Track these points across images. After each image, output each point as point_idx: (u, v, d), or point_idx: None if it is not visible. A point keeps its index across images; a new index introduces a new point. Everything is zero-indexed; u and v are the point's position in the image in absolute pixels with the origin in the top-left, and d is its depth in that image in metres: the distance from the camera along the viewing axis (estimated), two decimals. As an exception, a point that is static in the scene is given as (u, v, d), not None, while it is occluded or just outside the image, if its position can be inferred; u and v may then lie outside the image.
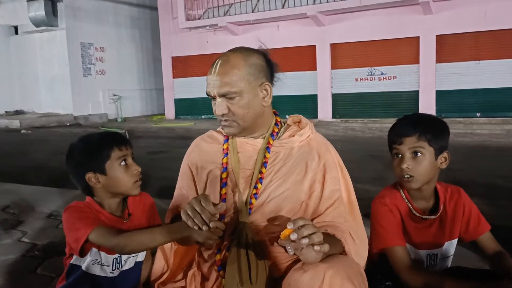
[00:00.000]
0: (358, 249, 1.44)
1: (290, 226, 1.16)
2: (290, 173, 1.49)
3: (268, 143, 1.52)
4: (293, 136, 1.54)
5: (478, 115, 11.69)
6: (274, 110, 1.60)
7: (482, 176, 5.04)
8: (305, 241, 1.13)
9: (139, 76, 18.36)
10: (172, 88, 16.11)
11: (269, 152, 1.51)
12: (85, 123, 15.32)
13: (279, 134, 1.56)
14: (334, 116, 13.41)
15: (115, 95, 16.68)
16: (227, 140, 1.58)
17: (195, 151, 1.65)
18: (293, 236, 1.14)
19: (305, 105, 13.23)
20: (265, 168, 1.49)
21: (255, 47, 1.54)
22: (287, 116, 1.65)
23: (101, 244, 1.46)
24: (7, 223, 3.20)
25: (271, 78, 1.51)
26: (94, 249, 1.51)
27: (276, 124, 1.57)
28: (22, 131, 12.81)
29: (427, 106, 11.96)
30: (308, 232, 1.15)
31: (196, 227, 1.26)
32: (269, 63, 1.50)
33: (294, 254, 1.21)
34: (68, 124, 14.97)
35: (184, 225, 1.30)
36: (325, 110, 13.42)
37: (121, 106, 16.75)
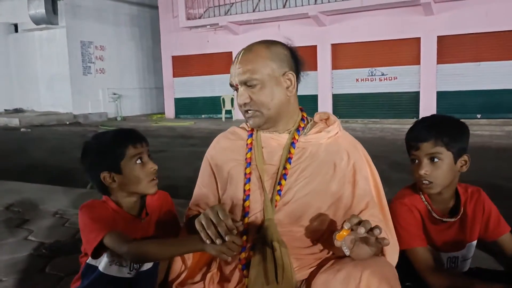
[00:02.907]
0: (392, 252, 1.40)
1: (347, 226, 1.11)
2: (317, 172, 1.43)
3: (294, 138, 1.46)
4: (320, 132, 1.48)
5: (479, 117, 11.70)
6: (300, 107, 1.55)
7: (485, 177, 5.03)
8: (377, 232, 1.08)
9: (139, 75, 18.34)
10: (172, 87, 16.09)
11: (294, 148, 1.45)
12: (84, 121, 15.29)
13: (305, 130, 1.50)
14: (334, 117, 13.40)
15: (114, 94, 16.65)
16: (251, 135, 1.53)
17: (216, 148, 1.60)
18: (361, 231, 1.08)
19: (306, 105, 12.62)
20: (290, 164, 1.44)
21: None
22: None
23: (113, 249, 1.42)
24: (12, 222, 3.18)
25: (296, 71, 1.47)
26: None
27: (302, 119, 1.52)
28: (22, 129, 12.78)
29: (428, 107, 11.96)
30: (371, 226, 1.10)
31: (208, 241, 1.18)
32: (295, 56, 1.48)
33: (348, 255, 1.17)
34: (67, 123, 14.93)
35: (198, 238, 1.22)
36: (325, 110, 13.35)
37: (120, 105, 16.72)
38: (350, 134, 1.55)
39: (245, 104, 1.42)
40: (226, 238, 1.16)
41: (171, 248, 1.35)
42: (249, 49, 1.44)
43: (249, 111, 1.44)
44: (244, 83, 1.41)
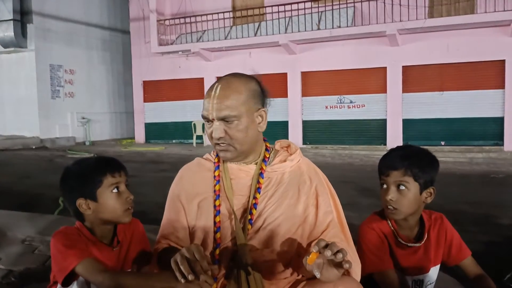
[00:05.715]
0: (356, 269, 1.46)
1: (315, 250, 1.16)
2: (284, 198, 1.50)
3: (261, 168, 1.53)
4: (284, 161, 1.56)
5: (443, 144, 12.12)
6: (263, 137, 1.61)
7: (449, 203, 5.19)
8: (339, 256, 1.13)
9: (109, 99, 18.18)
10: (143, 112, 16.02)
11: (262, 178, 1.51)
12: (51, 146, 14.95)
13: (270, 160, 1.57)
14: (304, 143, 13.62)
15: (83, 118, 16.43)
16: (218, 167, 1.57)
17: (182, 181, 1.61)
18: (328, 253, 1.13)
19: (276, 131, 13.33)
20: (259, 193, 1.49)
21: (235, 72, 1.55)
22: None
23: (86, 278, 1.43)
24: (-22, 250, 3.09)
25: (264, 105, 1.52)
26: (82, 279, 1.47)
27: (266, 149, 1.59)
28: (-14, 154, 12.41)
29: (395, 134, 12.35)
30: (338, 248, 1.15)
31: (183, 280, 1.17)
32: (262, 89, 1.52)
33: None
34: (34, 147, 14.57)
35: (171, 275, 1.22)
36: (295, 136, 13.60)
37: (89, 129, 16.50)
38: (309, 160, 1.63)
39: (219, 138, 1.45)
40: (200, 277, 1.17)
41: (146, 282, 1.36)
42: (226, 84, 1.45)
43: (222, 145, 1.47)
44: (222, 119, 1.43)
